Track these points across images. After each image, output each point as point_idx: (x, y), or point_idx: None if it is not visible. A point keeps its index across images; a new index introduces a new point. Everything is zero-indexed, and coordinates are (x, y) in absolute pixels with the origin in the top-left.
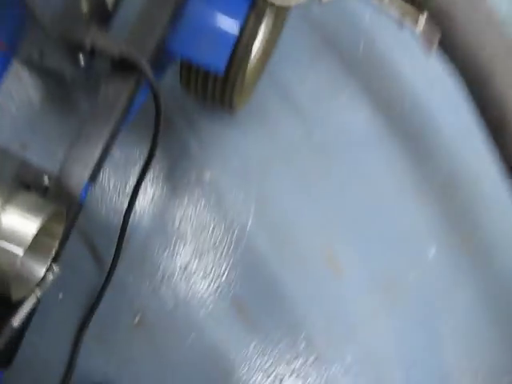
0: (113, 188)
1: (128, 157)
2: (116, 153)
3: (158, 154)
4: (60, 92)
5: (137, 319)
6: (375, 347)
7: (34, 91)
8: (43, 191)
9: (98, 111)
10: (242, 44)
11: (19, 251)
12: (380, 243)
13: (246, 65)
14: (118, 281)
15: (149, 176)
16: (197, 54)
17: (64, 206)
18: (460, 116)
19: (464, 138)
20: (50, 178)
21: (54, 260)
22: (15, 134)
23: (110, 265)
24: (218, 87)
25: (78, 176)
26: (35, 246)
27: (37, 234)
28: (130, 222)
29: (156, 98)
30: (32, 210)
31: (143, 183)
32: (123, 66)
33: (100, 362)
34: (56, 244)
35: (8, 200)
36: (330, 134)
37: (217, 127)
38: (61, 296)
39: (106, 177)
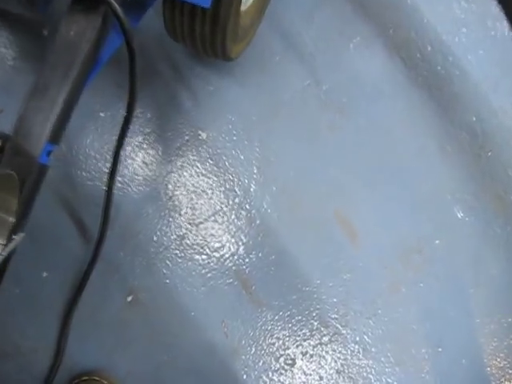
0: (98, 154)
1: (114, 117)
2: (100, 113)
3: (147, 111)
4: (35, 48)
5: (129, 298)
6: (397, 323)
7: (7, 49)
8: None
9: (56, 56)
10: None
11: None
12: (400, 206)
13: (238, 1)
14: (108, 257)
15: (138, 137)
16: None
17: (15, 171)
18: (489, 61)
19: (495, 86)
20: (4, 140)
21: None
22: None
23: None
24: (208, 30)
25: (36, 136)
26: None
27: None
28: (117, 191)
29: (126, 35)
30: None
31: (132, 146)
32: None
33: (91, 347)
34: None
35: None
36: (341, 83)
37: (212, 81)
38: (45, 275)
39: (89, 141)
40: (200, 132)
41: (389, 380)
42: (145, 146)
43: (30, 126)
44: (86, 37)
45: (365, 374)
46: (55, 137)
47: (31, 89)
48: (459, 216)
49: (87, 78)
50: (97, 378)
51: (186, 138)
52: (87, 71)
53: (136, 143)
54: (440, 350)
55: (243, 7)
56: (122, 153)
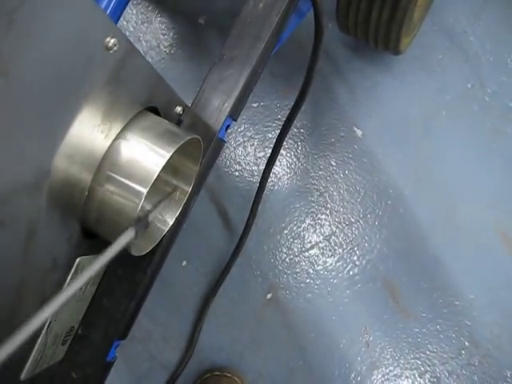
0: (248, 144)
1: (267, 107)
2: (252, 104)
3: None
4: (190, 37)
5: (269, 296)
6: None
7: (163, 36)
8: (174, 121)
9: (244, 28)
10: None
11: (142, 189)
12: None
13: None
14: (250, 251)
15: (291, 129)
16: None
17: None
18: None
19: None
20: (184, 108)
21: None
22: None
23: (241, 232)
24: (385, 18)
25: (217, 109)
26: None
27: (164, 171)
28: (266, 185)
29: (317, 14)
30: (162, 139)
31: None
32: None
33: (224, 343)
34: (189, 188)
35: (133, 125)
36: (508, 86)
37: (370, 76)
38: (184, 263)
39: (240, 131)
40: (355, 128)
41: None
42: (297, 139)
43: (211, 98)
44: (276, 10)
45: None
46: (235, 111)
47: (215, 60)
48: None
49: (271, 53)
50: (228, 375)
51: (341, 134)
52: (272, 46)
53: (289, 136)
54: None
55: None
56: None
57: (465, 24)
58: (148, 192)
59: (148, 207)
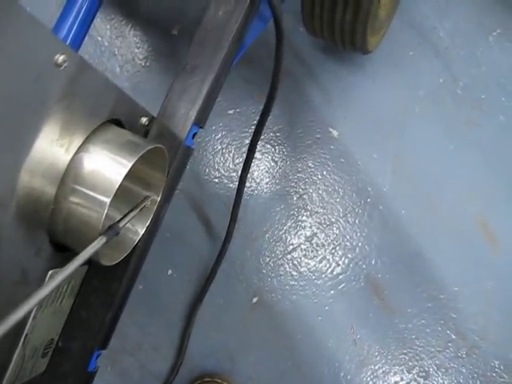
0: (226, 151)
1: (243, 114)
2: (228, 111)
3: (276, 108)
4: (165, 48)
5: (255, 300)
6: None
7: (138, 49)
8: (140, 133)
9: (205, 36)
10: None
11: (105, 199)
12: None
13: None
14: (233, 256)
15: (267, 134)
16: None
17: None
18: None
19: None
20: (150, 119)
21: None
22: None
23: (223, 238)
24: (349, 18)
25: (183, 117)
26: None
27: (131, 182)
28: (245, 189)
29: (277, 19)
30: (123, 149)
31: (261, 143)
32: None
33: (214, 348)
34: (158, 197)
35: (94, 137)
36: (479, 78)
37: (343, 76)
38: (170, 272)
39: (217, 138)
40: (331, 129)
41: None
42: (274, 143)
43: (176, 107)
44: (235, 17)
45: None
46: (201, 119)
47: (179, 70)
48: None
49: (233, 60)
50: (219, 381)
51: (317, 135)
52: (234, 52)
53: (265, 140)
54: None
55: None
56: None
57: (433, 20)
58: (115, 202)
59: (117, 216)
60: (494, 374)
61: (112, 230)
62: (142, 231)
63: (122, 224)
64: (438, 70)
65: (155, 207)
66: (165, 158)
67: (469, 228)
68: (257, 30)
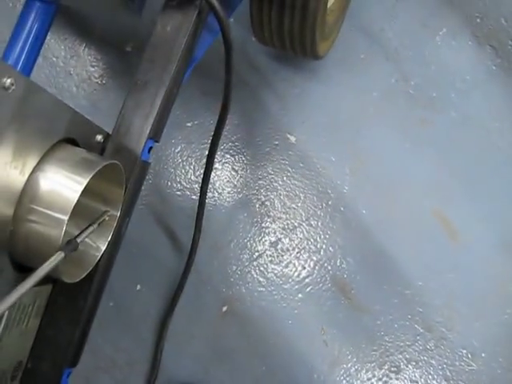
0: (186, 164)
1: (201, 126)
2: (186, 123)
3: (234, 118)
4: (120, 65)
5: (224, 308)
6: (507, 325)
7: (93, 67)
8: (96, 150)
9: (154, 52)
10: None
11: (63, 216)
12: (501, 200)
13: None
14: (201, 267)
15: (226, 144)
16: None
17: (120, 163)
18: None
19: None
20: (105, 136)
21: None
22: None
23: (189, 249)
24: (297, 25)
25: (137, 132)
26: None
27: (90, 199)
28: (208, 200)
29: (223, 26)
30: (78, 167)
31: (220, 153)
32: None
33: (188, 360)
34: (117, 212)
35: (49, 157)
36: (430, 77)
37: (298, 83)
38: (138, 287)
39: (178, 151)
40: (289, 136)
41: None
42: (234, 152)
43: (130, 123)
44: (183, 31)
45: (475, 381)
46: (156, 133)
47: (131, 86)
48: None
49: (184, 73)
50: None
51: (276, 142)
52: (185, 66)
53: (225, 150)
54: None
55: (330, 3)
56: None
57: (382, 23)
58: (74, 219)
59: (76, 233)
60: (463, 363)
61: (70, 244)
62: (103, 247)
63: (80, 239)
64: (389, 71)
65: (115, 223)
66: (121, 174)
67: (428, 222)
68: (206, 42)
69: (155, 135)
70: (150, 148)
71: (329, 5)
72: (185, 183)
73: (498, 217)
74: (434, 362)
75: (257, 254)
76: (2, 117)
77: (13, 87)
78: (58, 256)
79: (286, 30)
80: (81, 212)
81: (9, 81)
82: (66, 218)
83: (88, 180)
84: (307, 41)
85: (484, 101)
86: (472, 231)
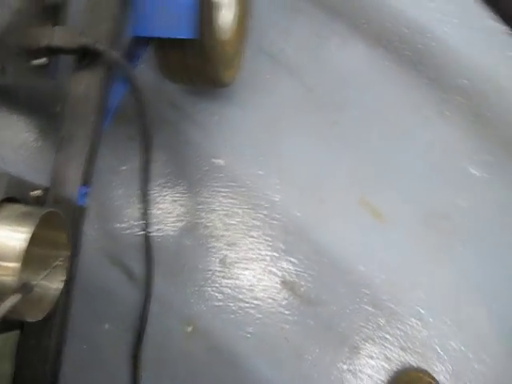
0: (128, 204)
1: (134, 168)
2: (121, 167)
3: (162, 154)
4: (52, 125)
5: (189, 329)
6: (448, 290)
7: (27, 133)
8: (36, 203)
9: (73, 109)
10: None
11: (16, 265)
12: (417, 177)
13: (219, 29)
14: (160, 295)
15: (160, 179)
16: (162, 28)
17: (59, 210)
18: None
19: (471, 47)
20: (42, 190)
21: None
22: None
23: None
24: (199, 61)
25: (71, 182)
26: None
27: (39, 246)
28: (155, 232)
29: (131, 81)
30: (22, 220)
31: (158, 188)
32: (86, 57)
33: (165, 383)
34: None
35: None
36: (331, 83)
37: (216, 111)
38: (107, 326)
39: (118, 194)
40: (215, 160)
41: (453, 344)
42: (169, 185)
43: (63, 175)
44: (95, 87)
45: (429, 345)
46: (86, 180)
47: (57, 143)
48: (477, 174)
49: (103, 123)
50: None
51: (205, 168)
52: (101, 117)
53: (161, 185)
54: (494, 305)
55: (225, 36)
56: (150, 195)
57: (280, 43)
58: (29, 266)
59: (32, 278)
60: (415, 332)
61: (25, 287)
62: (60, 286)
63: (35, 281)
64: (294, 85)
65: (67, 263)
66: (62, 220)
67: (356, 211)
68: (120, 92)
69: (86, 182)
70: (85, 193)
71: (225, 38)
72: (132, 221)
73: (417, 195)
74: (388, 336)
75: (210, 272)
76: None
77: None
78: (15, 297)
79: (191, 68)
80: (34, 259)
81: None
82: (18, 265)
83: (33, 229)
84: (212, 73)
85: (384, 94)
86: (396, 211)
